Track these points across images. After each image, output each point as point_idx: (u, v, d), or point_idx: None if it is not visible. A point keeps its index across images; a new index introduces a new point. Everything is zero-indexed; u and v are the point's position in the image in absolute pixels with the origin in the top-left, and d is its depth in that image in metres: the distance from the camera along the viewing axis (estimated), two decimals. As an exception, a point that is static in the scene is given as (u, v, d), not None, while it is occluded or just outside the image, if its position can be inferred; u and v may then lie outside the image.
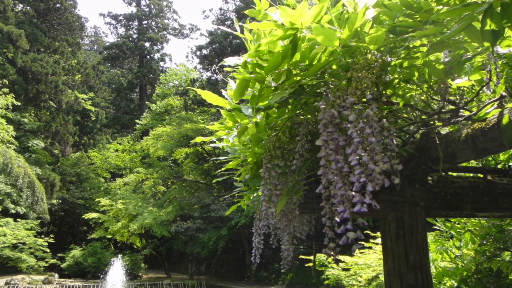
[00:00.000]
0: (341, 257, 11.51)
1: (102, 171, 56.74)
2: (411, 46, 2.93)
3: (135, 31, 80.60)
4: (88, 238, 45.12)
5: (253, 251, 4.03)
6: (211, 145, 4.67)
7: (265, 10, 3.12)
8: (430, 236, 6.24)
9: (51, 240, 40.84)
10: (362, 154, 2.66)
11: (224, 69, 3.65)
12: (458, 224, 6.16)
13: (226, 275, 41.29)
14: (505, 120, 2.72)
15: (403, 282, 3.67)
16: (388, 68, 3.04)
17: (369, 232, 9.90)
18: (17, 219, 38.20)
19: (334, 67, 3.13)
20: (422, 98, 3.61)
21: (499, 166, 4.94)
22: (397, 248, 3.74)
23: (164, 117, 49.90)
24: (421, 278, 3.66)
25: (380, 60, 2.90)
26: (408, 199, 3.76)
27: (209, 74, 57.09)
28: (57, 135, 50.73)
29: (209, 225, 36.46)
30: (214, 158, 5.85)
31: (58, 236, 47.89)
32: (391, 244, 3.78)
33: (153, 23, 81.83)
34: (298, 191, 3.55)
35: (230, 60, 3.33)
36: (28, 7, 57.43)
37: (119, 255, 41.11)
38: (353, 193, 2.70)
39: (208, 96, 3.59)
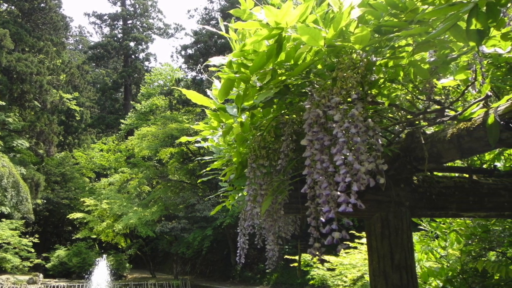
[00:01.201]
0: (326, 257, 11.53)
1: (87, 171, 56.53)
2: (396, 45, 2.92)
3: (120, 31, 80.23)
4: (73, 238, 44.98)
5: (238, 251, 4.02)
6: (196, 145, 4.66)
7: (250, 9, 3.10)
8: (416, 236, 6.25)
9: (36, 240, 40.87)
10: (347, 154, 2.64)
11: (209, 68, 3.62)
12: (443, 224, 6.18)
13: (211, 275, 41.30)
14: (490, 120, 2.72)
15: (388, 282, 3.67)
16: (374, 68, 3.03)
17: (354, 232, 9.90)
18: (2, 219, 38.11)
19: (319, 66, 3.12)
20: (408, 97, 3.61)
21: (484, 166, 4.96)
22: (382, 248, 3.74)
23: (149, 116, 49.76)
24: (406, 278, 3.66)
25: (365, 59, 2.89)
26: (393, 199, 3.76)
27: (194, 73, 57.20)
28: (41, 135, 50.47)
29: (194, 225, 36.51)
30: (199, 158, 5.85)
31: (43, 236, 47.75)
32: (376, 244, 3.78)
33: (138, 22, 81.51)
34: (283, 191, 3.54)
35: (215, 60, 3.30)
36: (13, 7, 56.94)
37: (104, 255, 41.15)
38: (338, 193, 2.69)
39: (193, 96, 3.57)
